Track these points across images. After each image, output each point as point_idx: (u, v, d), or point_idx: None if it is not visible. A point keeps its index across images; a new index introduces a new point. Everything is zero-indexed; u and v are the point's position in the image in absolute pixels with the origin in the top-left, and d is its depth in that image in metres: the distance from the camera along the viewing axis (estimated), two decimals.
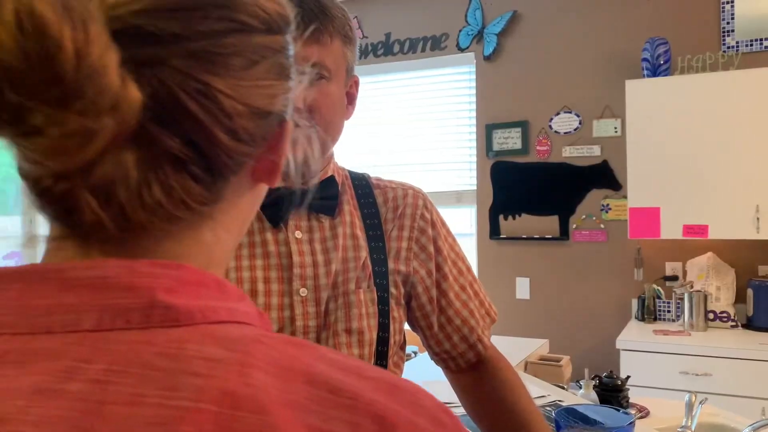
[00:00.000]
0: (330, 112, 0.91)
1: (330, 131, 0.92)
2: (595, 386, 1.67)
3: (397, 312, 1.00)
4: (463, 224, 3.82)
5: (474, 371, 1.08)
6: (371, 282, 0.97)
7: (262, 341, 0.35)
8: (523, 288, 3.61)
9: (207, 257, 0.41)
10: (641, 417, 1.56)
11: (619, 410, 1.13)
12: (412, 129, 3.95)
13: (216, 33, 0.35)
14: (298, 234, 0.94)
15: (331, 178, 0.99)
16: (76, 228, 0.36)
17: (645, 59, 3.14)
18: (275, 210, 0.91)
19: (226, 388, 0.32)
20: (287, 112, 0.41)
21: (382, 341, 0.96)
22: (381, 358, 0.97)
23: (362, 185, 1.04)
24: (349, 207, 1.00)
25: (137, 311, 0.34)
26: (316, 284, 0.92)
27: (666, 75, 3.11)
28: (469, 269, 1.10)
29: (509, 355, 2.45)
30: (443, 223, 1.09)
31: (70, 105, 0.31)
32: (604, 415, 1.10)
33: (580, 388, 1.76)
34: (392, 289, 0.99)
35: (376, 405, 0.33)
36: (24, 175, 0.35)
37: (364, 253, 0.98)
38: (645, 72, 3.14)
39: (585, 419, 1.10)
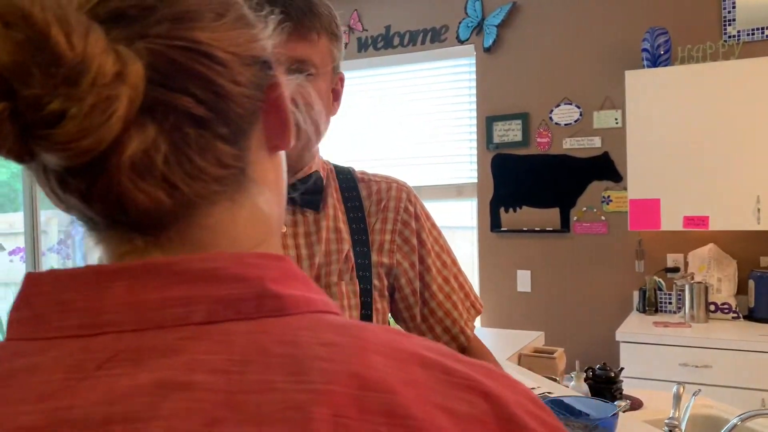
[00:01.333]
0: None
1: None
2: (588, 378, 1.67)
3: (380, 304, 1.01)
4: (463, 217, 3.81)
5: None
6: (353, 274, 0.98)
7: (368, 328, 0.36)
8: (524, 281, 3.61)
9: (266, 229, 0.41)
10: (633, 409, 1.55)
11: (606, 401, 1.13)
12: (412, 122, 3.94)
13: None
14: (283, 228, 0.95)
15: (316, 174, 1.00)
16: (126, 218, 0.36)
17: (645, 49, 3.12)
18: None
19: (351, 370, 0.32)
20: (271, 63, 0.42)
21: None
22: None
23: (347, 179, 1.05)
24: (332, 200, 1.01)
25: (249, 301, 0.35)
26: None
27: (666, 65, 3.08)
28: (454, 262, 1.10)
29: (503, 348, 2.45)
30: (428, 216, 1.09)
31: (80, 80, 0.32)
32: (591, 406, 1.10)
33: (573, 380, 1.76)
34: (375, 281, 1.00)
35: (486, 385, 0.35)
36: (61, 183, 0.36)
37: (347, 246, 0.98)
38: (645, 62, 3.12)
39: (571, 411, 1.10)
